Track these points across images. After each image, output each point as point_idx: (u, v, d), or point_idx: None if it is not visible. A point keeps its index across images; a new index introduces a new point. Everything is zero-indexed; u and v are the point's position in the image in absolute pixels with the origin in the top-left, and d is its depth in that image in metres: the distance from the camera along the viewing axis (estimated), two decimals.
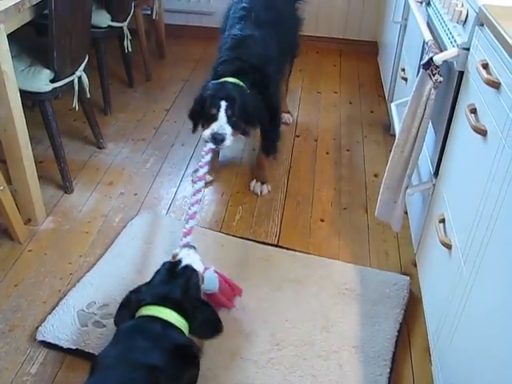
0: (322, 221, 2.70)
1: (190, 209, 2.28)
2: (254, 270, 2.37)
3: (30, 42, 2.79)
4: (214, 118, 2.51)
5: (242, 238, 2.57)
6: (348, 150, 3.25)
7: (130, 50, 3.62)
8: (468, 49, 1.74)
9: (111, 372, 1.53)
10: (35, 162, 2.53)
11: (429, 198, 2.09)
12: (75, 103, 2.74)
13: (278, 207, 2.79)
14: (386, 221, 2.34)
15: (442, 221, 1.84)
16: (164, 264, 1.86)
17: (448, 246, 1.73)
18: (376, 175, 3.01)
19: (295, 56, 3.37)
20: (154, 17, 4.03)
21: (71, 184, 2.80)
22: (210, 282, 1.99)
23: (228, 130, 2.50)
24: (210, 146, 2.51)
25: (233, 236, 2.57)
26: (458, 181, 1.76)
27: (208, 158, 2.47)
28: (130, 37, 3.55)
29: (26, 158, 2.39)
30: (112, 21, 3.29)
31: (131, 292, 1.79)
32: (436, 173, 2.02)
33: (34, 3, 2.23)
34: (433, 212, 2.02)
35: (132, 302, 1.74)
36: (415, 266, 2.30)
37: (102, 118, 3.42)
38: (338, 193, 2.89)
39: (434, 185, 2.04)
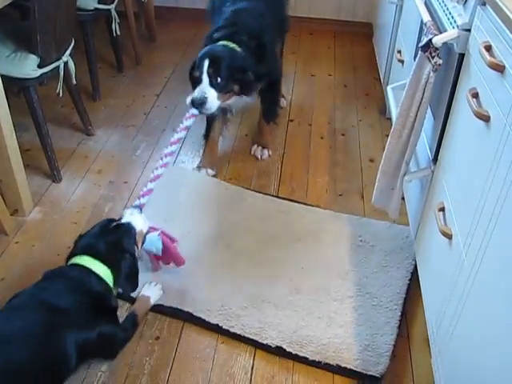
0: (318, 208, 2.63)
1: (153, 171, 2.28)
2: (275, 223, 2.51)
3: (14, 26, 2.70)
4: (199, 81, 2.41)
5: (263, 193, 2.70)
6: (343, 135, 3.18)
7: (118, 33, 3.52)
8: (469, 30, 1.66)
9: (16, 311, 1.65)
10: (22, 150, 2.45)
11: (427, 185, 2.03)
12: (59, 89, 2.65)
13: (272, 194, 2.72)
14: (383, 208, 2.29)
15: (442, 209, 1.77)
16: (102, 220, 1.98)
17: (448, 236, 1.67)
18: (372, 160, 2.94)
19: (286, 31, 3.29)
20: None
21: (59, 173, 2.73)
22: (151, 242, 2.07)
23: (210, 93, 2.39)
24: (194, 111, 2.40)
25: (255, 191, 2.70)
26: (459, 168, 1.70)
27: (188, 123, 2.37)
28: (118, 20, 3.45)
29: (11, 146, 2.31)
30: (99, 3, 3.19)
31: (78, 237, 1.93)
32: (435, 159, 1.96)
33: None
34: (432, 200, 1.96)
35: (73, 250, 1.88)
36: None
37: (90, 104, 3.33)
38: (334, 179, 2.82)
39: (432, 171, 1.98)
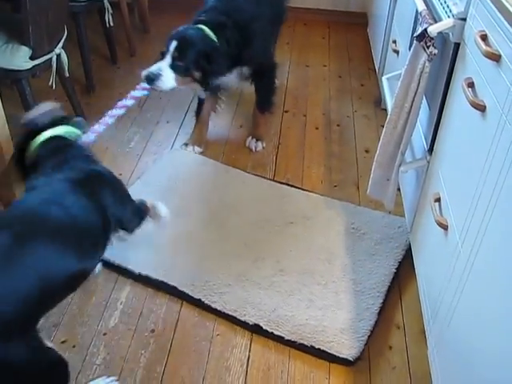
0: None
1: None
2: (270, 206, 2.54)
3: (6, 18, 2.67)
4: (161, 58, 2.43)
5: (261, 176, 2.73)
6: (338, 125, 3.16)
7: (111, 24, 3.48)
8: (465, 19, 1.65)
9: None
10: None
11: (423, 176, 2.02)
12: (52, 81, 2.63)
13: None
14: (379, 198, 2.29)
15: (438, 200, 1.76)
16: None
17: (444, 227, 1.67)
18: (367, 151, 2.93)
19: (282, 21, 3.27)
20: None
21: None
22: None
23: (166, 71, 2.39)
24: (144, 85, 2.41)
25: (254, 175, 2.74)
26: (455, 158, 1.69)
27: (137, 93, 2.37)
28: (111, 10, 3.42)
29: (3, 137, 2.28)
30: None
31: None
32: (430, 149, 1.95)
33: None
34: (427, 190, 1.95)
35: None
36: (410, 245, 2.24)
37: (84, 96, 3.31)
38: (329, 170, 2.81)
39: (428, 162, 1.97)
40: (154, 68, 2.39)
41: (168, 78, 2.41)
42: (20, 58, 2.39)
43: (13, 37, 2.43)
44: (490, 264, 1.33)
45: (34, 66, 2.46)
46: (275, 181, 2.71)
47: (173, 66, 2.41)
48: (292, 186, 2.67)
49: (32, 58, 2.43)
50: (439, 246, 1.75)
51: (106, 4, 3.35)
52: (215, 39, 2.49)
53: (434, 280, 1.79)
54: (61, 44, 2.65)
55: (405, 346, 1.96)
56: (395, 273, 2.21)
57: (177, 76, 2.42)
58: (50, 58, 2.57)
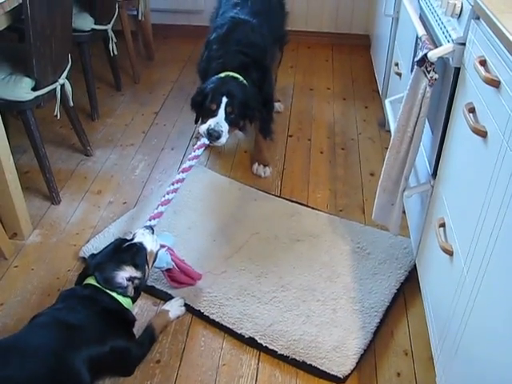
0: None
1: (164, 196, 2.36)
2: (278, 223, 2.58)
3: (11, 49, 2.70)
4: (214, 114, 2.55)
5: (274, 195, 2.78)
6: (343, 149, 3.16)
7: (115, 53, 3.51)
8: (464, 44, 1.65)
9: (36, 329, 1.74)
10: (20, 172, 2.45)
11: (427, 200, 2.00)
12: (57, 111, 2.64)
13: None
14: (384, 224, 2.27)
15: (442, 225, 1.75)
16: (116, 239, 2.03)
17: (449, 253, 1.65)
18: (372, 174, 2.92)
19: (285, 43, 3.36)
20: (140, 17, 3.92)
21: (58, 195, 2.71)
22: (160, 259, 2.08)
23: (225, 127, 2.54)
24: (205, 141, 2.53)
25: (266, 193, 2.78)
26: (458, 183, 1.68)
27: (199, 152, 2.50)
28: (115, 39, 3.45)
29: (8, 170, 2.30)
30: (96, 24, 3.19)
31: (90, 256, 2.00)
32: (434, 174, 1.94)
33: (8, 9, 2.13)
34: (432, 215, 1.94)
35: (85, 269, 1.95)
36: (415, 268, 2.22)
37: (89, 124, 3.33)
38: (334, 194, 2.80)
39: (432, 186, 1.96)
40: (214, 125, 2.53)
41: (226, 133, 2.56)
42: (21, 90, 2.38)
43: (17, 68, 2.44)
44: (496, 291, 1.32)
45: (37, 97, 2.46)
46: (286, 199, 2.73)
47: (227, 120, 2.56)
48: (303, 204, 2.70)
49: (35, 88, 2.44)
50: (445, 271, 1.73)
51: (110, 33, 3.38)
52: (246, 83, 2.64)
53: (441, 306, 1.77)
54: (65, 74, 2.66)
55: (413, 373, 1.93)
56: (400, 294, 2.21)
57: (229, 128, 2.59)
58: (55, 89, 2.58)
